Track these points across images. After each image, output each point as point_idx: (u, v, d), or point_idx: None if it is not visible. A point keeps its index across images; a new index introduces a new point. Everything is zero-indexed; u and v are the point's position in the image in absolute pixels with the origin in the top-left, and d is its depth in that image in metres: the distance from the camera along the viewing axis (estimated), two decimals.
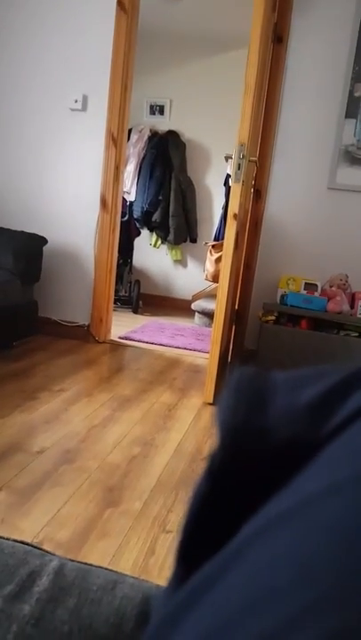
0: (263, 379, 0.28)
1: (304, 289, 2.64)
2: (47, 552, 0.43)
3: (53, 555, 0.43)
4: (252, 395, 0.27)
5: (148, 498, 1.51)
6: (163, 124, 4.58)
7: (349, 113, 2.65)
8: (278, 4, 2.56)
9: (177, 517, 1.42)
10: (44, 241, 2.89)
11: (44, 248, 2.91)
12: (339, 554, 0.16)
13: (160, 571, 1.20)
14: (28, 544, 0.44)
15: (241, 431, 0.25)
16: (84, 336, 3.09)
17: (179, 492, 1.55)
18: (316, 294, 2.62)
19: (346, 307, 2.57)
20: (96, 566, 0.43)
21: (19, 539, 0.45)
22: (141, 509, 1.44)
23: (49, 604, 0.36)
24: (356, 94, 2.62)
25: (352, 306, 2.60)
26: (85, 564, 0.43)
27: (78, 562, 0.43)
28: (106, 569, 0.44)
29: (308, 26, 2.63)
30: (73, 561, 0.42)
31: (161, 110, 4.61)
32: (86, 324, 3.11)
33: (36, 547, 0.44)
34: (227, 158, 4.07)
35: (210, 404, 2.31)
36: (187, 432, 2.01)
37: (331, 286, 2.65)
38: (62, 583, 0.38)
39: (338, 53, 2.61)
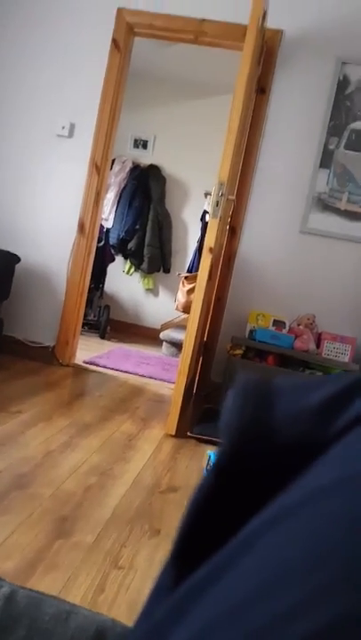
0: (268, 383, 0.29)
1: (273, 325, 2.68)
2: None
3: (4, 581, 0.40)
4: (259, 396, 0.27)
5: (101, 530, 1.45)
6: (145, 158, 4.67)
7: (323, 163, 2.76)
8: (263, 59, 2.68)
9: (130, 553, 1.37)
10: (16, 259, 2.85)
11: (17, 266, 2.86)
12: (347, 541, 0.17)
13: (110, 608, 1.14)
14: None
15: (248, 431, 0.26)
16: (49, 358, 3.03)
17: (134, 527, 1.50)
18: (284, 331, 2.65)
19: (312, 345, 2.61)
20: (48, 595, 0.41)
21: None
22: (94, 542, 1.39)
23: None
24: (331, 147, 2.75)
25: (318, 345, 2.65)
26: (38, 592, 0.40)
27: (30, 590, 0.40)
28: (59, 599, 0.41)
29: (290, 80, 2.77)
30: (24, 588, 0.39)
31: (144, 145, 4.71)
32: (51, 345, 3.05)
33: None
34: (206, 195, 4.16)
35: (172, 435, 2.27)
36: (146, 464, 1.96)
37: (298, 325, 2.69)
38: (12, 612, 0.35)
39: (316, 108, 2.75)
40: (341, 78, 2.72)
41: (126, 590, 1.21)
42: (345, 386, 0.26)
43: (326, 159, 2.76)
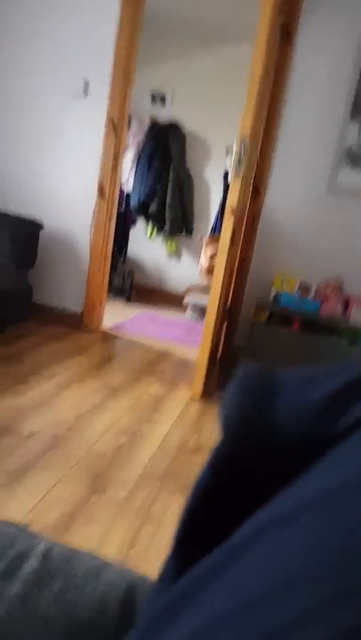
0: (270, 375, 0.27)
1: (298, 289, 2.64)
2: (36, 535, 0.44)
3: (42, 537, 0.43)
4: (260, 390, 0.26)
5: (132, 488, 1.52)
6: (164, 114, 4.55)
7: (354, 114, 2.64)
8: (288, 1, 2.54)
9: (160, 509, 1.44)
10: (40, 226, 2.87)
11: (41, 233, 2.89)
12: (355, 551, 0.16)
13: (141, 562, 1.21)
14: (17, 527, 0.45)
15: (248, 425, 0.25)
16: (76, 324, 3.09)
17: (163, 485, 1.57)
18: (311, 295, 2.61)
19: (339, 310, 2.57)
20: (82, 552, 0.44)
21: (8, 521, 0.45)
22: (125, 499, 1.45)
23: (35, 586, 0.37)
24: None
25: (345, 310, 2.59)
26: (72, 549, 0.44)
27: (65, 546, 0.43)
28: (91, 555, 0.44)
29: (317, 25, 2.62)
30: (60, 545, 0.43)
31: (162, 100, 4.58)
32: (79, 311, 3.10)
33: (25, 529, 0.44)
34: (228, 152, 4.06)
35: (197, 398, 2.32)
36: (173, 425, 2.02)
37: (325, 288, 2.65)
38: (49, 567, 0.39)
39: (346, 54, 2.61)
40: None
41: (156, 544, 1.28)
42: (349, 381, 0.25)
43: (357, 110, 2.63)
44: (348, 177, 2.68)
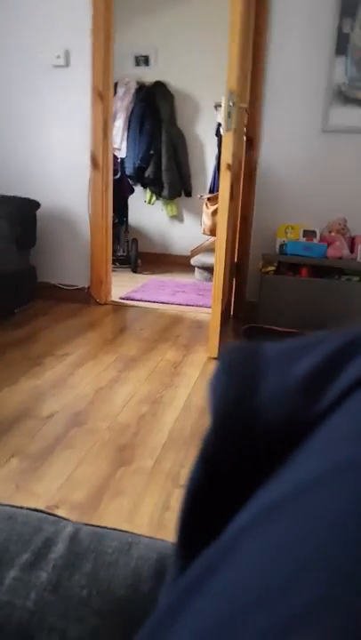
0: (254, 356, 0.26)
1: (303, 236, 2.61)
2: (61, 518, 0.44)
3: (67, 520, 0.43)
4: (243, 375, 0.25)
5: (159, 455, 1.54)
6: (149, 75, 4.40)
7: (339, 50, 2.53)
8: None
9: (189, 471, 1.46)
10: (37, 205, 2.83)
11: (37, 212, 2.85)
12: (338, 549, 0.15)
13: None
14: (41, 511, 0.45)
15: (232, 414, 0.24)
16: (85, 299, 3.08)
17: (190, 447, 1.58)
18: (316, 241, 2.58)
19: (346, 251, 2.54)
20: (110, 529, 0.44)
21: (32, 507, 0.45)
22: (154, 466, 1.48)
23: (65, 570, 0.37)
24: (345, 30, 2.50)
25: (352, 250, 2.57)
26: (100, 527, 0.44)
27: (92, 525, 0.43)
28: (120, 530, 0.44)
29: None
30: (87, 525, 0.43)
31: (146, 61, 4.42)
32: (86, 286, 3.09)
33: (49, 513, 0.44)
34: (216, 106, 3.93)
35: (214, 358, 2.32)
36: (194, 387, 2.03)
37: (330, 232, 2.61)
38: (77, 549, 0.39)
39: None
40: None
41: None
42: (336, 348, 0.24)
43: (342, 45, 2.52)
44: (341, 116, 2.60)
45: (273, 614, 0.14)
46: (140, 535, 0.44)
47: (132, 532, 0.45)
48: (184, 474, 1.44)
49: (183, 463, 1.50)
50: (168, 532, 1.19)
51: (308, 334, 0.27)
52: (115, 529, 0.44)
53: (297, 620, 0.14)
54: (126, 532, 0.45)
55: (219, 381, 0.26)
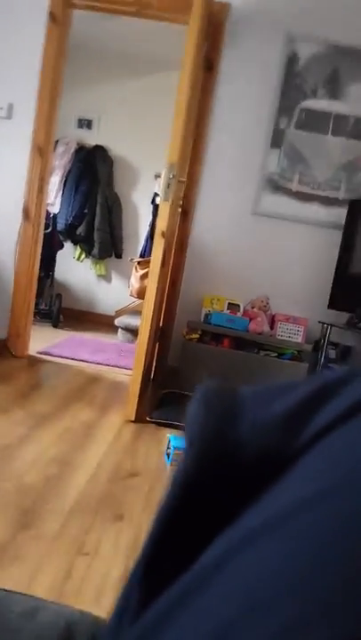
0: (231, 392, 0.27)
1: (227, 309, 2.71)
2: None
3: None
4: (223, 408, 0.26)
5: (64, 520, 1.44)
6: (90, 139, 4.56)
7: (275, 143, 2.78)
8: (211, 34, 2.65)
9: (94, 539, 1.37)
10: None
11: None
12: (325, 568, 0.16)
13: (77, 595, 1.14)
14: None
15: (212, 445, 0.25)
16: (1, 350, 2.95)
17: (97, 514, 1.50)
18: (239, 314, 2.69)
19: (266, 328, 2.66)
20: (14, 592, 0.40)
21: None
22: (58, 531, 1.37)
23: None
24: (281, 127, 2.77)
25: (272, 327, 2.70)
26: (2, 589, 0.39)
27: None
28: (25, 595, 0.40)
29: (239, 57, 2.74)
30: None
31: (89, 124, 4.59)
32: (3, 337, 2.97)
33: None
34: (156, 177, 4.12)
35: (131, 421, 2.27)
36: (106, 451, 1.95)
37: (253, 307, 2.74)
38: None
39: (265, 86, 2.75)
40: (291, 55, 2.71)
41: (92, 576, 1.21)
42: (309, 393, 0.25)
43: (277, 139, 2.77)
44: (271, 202, 2.81)
45: (260, 629, 0.15)
46: (45, 600, 0.40)
47: (37, 597, 0.41)
48: (90, 541, 1.35)
49: (89, 530, 1.41)
50: (69, 602, 1.09)
51: (279, 383, 0.29)
52: (19, 592, 0.40)
53: (282, 636, 0.14)
54: (32, 596, 0.40)
55: (197, 412, 0.26)
